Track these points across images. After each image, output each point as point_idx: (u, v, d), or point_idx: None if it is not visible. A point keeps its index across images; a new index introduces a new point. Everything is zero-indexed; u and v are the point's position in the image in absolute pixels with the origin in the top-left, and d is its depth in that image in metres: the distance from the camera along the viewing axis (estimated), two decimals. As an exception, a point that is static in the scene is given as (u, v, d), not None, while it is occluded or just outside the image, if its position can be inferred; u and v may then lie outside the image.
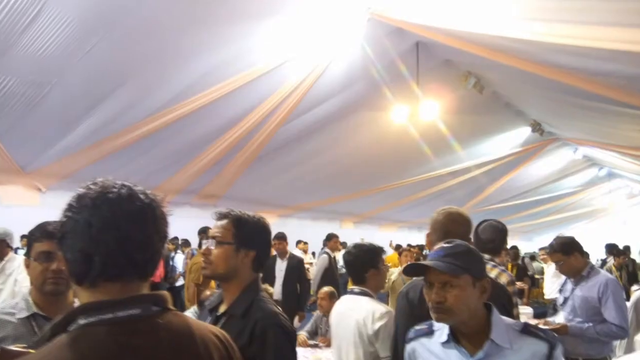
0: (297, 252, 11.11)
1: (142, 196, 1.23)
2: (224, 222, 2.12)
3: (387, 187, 14.03)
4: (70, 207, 1.19)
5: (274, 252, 7.58)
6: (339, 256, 9.75)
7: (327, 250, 8.81)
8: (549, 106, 10.15)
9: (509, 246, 7.93)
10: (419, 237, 16.89)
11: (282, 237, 7.66)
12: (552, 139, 13.55)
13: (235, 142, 8.67)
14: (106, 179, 1.23)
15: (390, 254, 12.84)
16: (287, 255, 7.71)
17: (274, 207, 13.36)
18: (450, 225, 2.68)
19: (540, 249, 12.70)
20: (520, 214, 20.18)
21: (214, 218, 2.17)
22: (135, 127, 7.29)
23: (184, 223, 9.18)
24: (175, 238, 11.89)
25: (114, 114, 6.81)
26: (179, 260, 11.62)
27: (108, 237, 1.15)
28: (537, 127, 11.75)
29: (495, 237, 3.59)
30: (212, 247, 2.09)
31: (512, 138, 12.84)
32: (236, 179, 10.56)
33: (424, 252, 11.78)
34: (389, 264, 8.20)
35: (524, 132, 12.44)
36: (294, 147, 9.80)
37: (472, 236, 2.97)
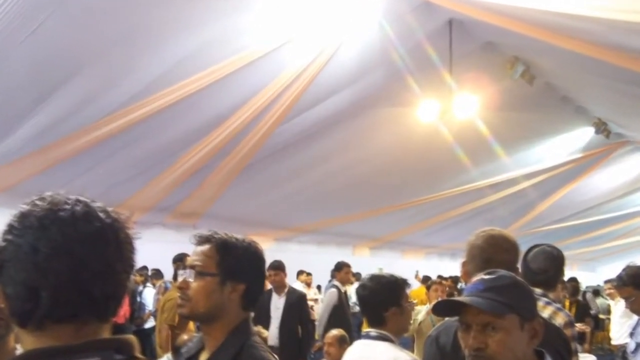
0: (298, 286, 11.10)
1: (101, 215, 1.22)
2: (205, 247, 2.12)
3: (411, 204, 14.01)
4: (10, 229, 1.19)
5: (268, 286, 7.57)
6: (352, 291, 9.73)
7: (336, 283, 8.79)
8: (617, 101, 10.14)
9: (566, 278, 7.90)
10: (452, 267, 16.85)
11: (279, 267, 7.64)
12: (621, 142, 13.51)
13: (220, 146, 8.68)
14: (56, 193, 1.23)
15: (416, 287, 12.82)
16: (286, 290, 7.69)
17: (269, 228, 13.36)
18: (492, 252, 2.68)
19: (606, 282, 12.63)
20: (580, 237, 20.11)
21: (193, 242, 2.17)
22: (94, 127, 7.30)
23: (155, 249, 9.17)
24: (144, 268, 11.87)
25: (66, 111, 6.82)
26: (148, 295, 11.60)
27: (59, 266, 1.14)
28: (602, 127, 11.72)
29: (549, 267, 3.58)
30: (191, 280, 2.09)
31: (571, 141, 12.83)
32: (221, 194, 10.57)
33: (458, 286, 11.77)
34: (415, 301, 8.17)
35: (585, 134, 12.42)
36: (294, 152, 9.81)
37: (519, 265, 2.96)
